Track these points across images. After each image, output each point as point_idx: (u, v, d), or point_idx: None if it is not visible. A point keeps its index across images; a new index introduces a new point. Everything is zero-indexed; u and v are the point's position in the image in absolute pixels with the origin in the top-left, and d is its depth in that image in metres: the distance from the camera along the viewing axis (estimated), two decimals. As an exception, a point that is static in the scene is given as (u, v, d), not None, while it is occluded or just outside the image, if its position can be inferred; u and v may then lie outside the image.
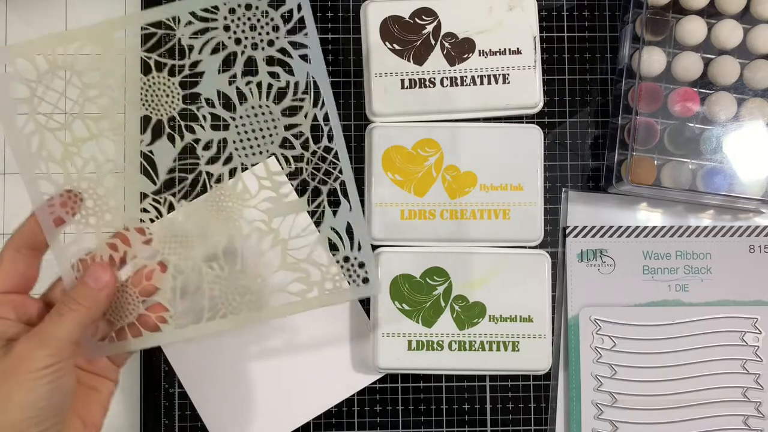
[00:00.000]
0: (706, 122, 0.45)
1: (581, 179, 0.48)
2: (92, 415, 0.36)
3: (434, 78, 0.46)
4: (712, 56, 0.46)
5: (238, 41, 0.37)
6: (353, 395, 0.47)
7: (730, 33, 0.45)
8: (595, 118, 0.49)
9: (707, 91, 0.46)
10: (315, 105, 0.37)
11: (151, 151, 0.38)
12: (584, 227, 0.46)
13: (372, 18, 0.46)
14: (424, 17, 0.46)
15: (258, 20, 0.37)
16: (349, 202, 0.38)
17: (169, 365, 0.47)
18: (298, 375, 0.46)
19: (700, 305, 0.46)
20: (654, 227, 0.46)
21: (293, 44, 0.37)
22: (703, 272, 0.46)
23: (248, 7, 0.37)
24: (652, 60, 0.45)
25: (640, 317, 0.45)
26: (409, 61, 0.46)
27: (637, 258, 0.46)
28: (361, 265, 0.38)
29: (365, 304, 0.47)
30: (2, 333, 0.34)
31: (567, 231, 0.46)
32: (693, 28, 0.45)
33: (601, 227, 0.46)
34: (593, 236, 0.46)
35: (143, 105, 0.38)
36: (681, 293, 0.46)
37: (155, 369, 0.47)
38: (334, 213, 0.38)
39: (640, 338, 0.45)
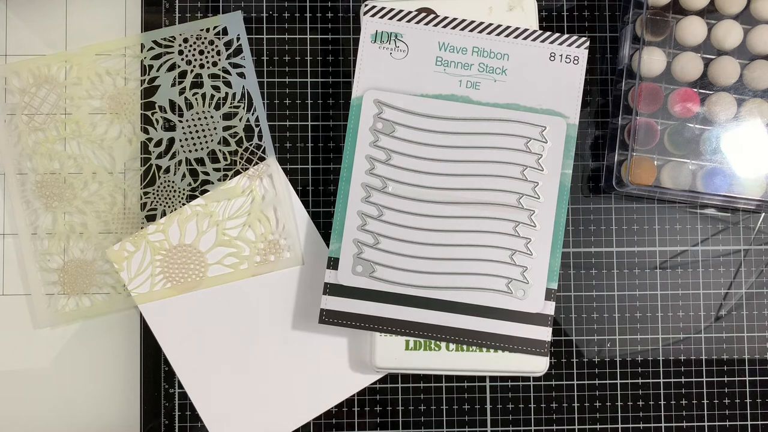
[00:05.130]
0: (706, 123, 0.45)
1: (581, 179, 0.48)
2: None
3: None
4: (712, 56, 0.46)
5: (189, 62, 0.48)
6: (353, 395, 0.47)
7: (730, 33, 0.45)
8: (595, 118, 0.49)
9: (707, 92, 0.46)
10: (248, 111, 0.47)
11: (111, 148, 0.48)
12: (383, 8, 0.45)
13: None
14: (423, 16, 0.46)
15: (206, 47, 0.48)
16: (275, 188, 0.47)
17: (169, 365, 0.47)
18: (298, 375, 0.46)
19: (488, 105, 0.44)
20: (454, 19, 0.45)
21: (232, 65, 0.48)
22: (498, 73, 0.44)
23: (198, 37, 0.48)
24: (652, 60, 0.45)
25: (425, 108, 0.44)
26: (407, 59, 0.46)
27: (432, 48, 0.44)
28: (285, 239, 0.47)
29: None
30: None
31: (365, 9, 0.45)
32: (693, 29, 0.45)
33: (401, 11, 0.45)
34: (391, 18, 0.44)
35: (111, 113, 0.48)
36: (471, 90, 0.44)
37: (155, 369, 0.47)
38: (263, 198, 0.47)
39: (420, 128, 0.44)
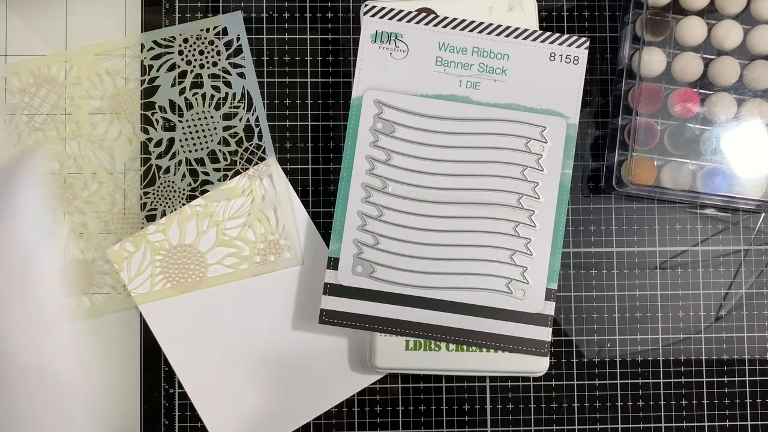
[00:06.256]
0: (706, 123, 0.45)
1: (581, 179, 0.48)
2: None
3: (433, 77, 0.46)
4: (712, 57, 0.46)
5: (189, 62, 0.48)
6: (353, 396, 0.47)
7: (730, 33, 0.45)
8: (595, 118, 0.49)
9: (707, 92, 0.46)
10: (248, 111, 0.48)
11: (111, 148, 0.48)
12: (383, 8, 0.45)
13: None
14: (423, 16, 0.46)
15: (206, 47, 0.48)
16: (275, 188, 0.47)
17: (169, 365, 0.47)
18: (298, 375, 0.46)
19: (488, 105, 0.44)
20: (454, 19, 0.45)
21: (232, 65, 0.48)
22: (498, 73, 0.44)
23: (198, 37, 0.48)
24: (652, 60, 0.45)
25: (425, 108, 0.44)
26: (407, 60, 0.46)
27: (432, 48, 0.44)
28: (285, 240, 0.47)
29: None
30: None
31: (366, 9, 0.45)
32: (693, 29, 0.45)
33: (401, 11, 0.45)
34: (391, 18, 0.44)
35: (111, 113, 0.48)
36: (471, 91, 0.44)
37: (155, 369, 0.47)
38: (263, 198, 0.47)
39: (420, 128, 0.44)
